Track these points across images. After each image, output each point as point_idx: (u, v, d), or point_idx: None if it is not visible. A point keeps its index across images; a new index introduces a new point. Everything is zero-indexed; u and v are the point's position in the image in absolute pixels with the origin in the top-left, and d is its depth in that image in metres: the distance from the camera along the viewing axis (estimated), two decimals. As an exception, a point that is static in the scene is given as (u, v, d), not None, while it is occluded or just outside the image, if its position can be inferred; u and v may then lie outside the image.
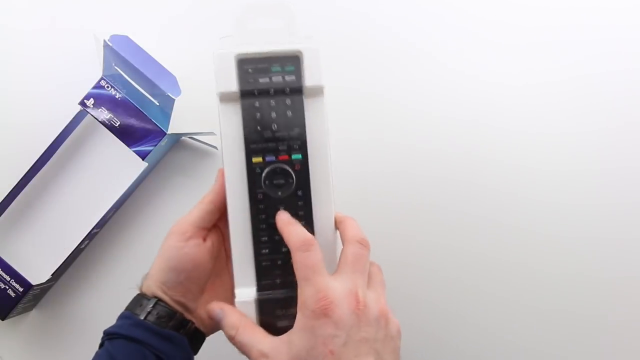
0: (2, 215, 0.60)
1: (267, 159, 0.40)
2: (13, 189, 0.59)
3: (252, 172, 0.40)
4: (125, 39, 0.56)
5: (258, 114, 0.40)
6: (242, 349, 0.38)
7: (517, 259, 0.61)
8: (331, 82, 0.62)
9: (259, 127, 0.40)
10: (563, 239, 0.61)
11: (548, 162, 0.61)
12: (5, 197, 0.59)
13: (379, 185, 0.62)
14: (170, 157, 0.62)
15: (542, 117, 0.62)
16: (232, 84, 0.39)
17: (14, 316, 0.58)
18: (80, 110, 0.59)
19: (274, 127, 0.40)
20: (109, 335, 0.41)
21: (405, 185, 0.61)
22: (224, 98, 0.40)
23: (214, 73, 0.40)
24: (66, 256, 0.57)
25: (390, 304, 0.38)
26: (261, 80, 0.40)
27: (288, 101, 0.40)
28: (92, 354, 0.41)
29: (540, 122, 0.62)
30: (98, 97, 0.57)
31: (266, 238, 0.40)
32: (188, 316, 0.43)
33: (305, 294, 0.36)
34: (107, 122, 0.57)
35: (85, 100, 0.57)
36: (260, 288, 0.40)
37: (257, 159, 0.40)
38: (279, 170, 0.40)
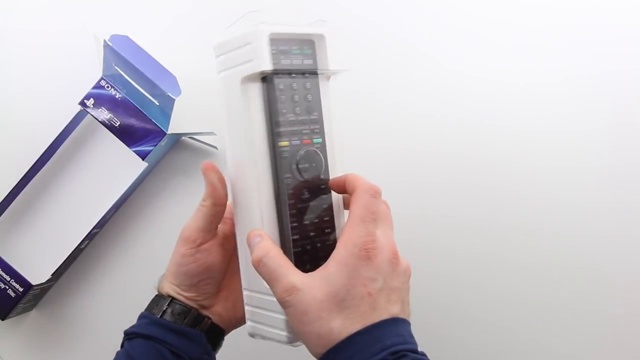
0: (2, 215, 0.60)
1: (293, 142, 0.39)
2: (13, 189, 0.59)
3: (280, 157, 0.38)
4: (126, 39, 0.56)
5: (282, 97, 0.38)
6: (268, 276, 0.36)
7: (519, 257, 0.61)
8: (331, 82, 0.62)
9: (284, 110, 0.38)
10: (565, 237, 0.61)
11: (549, 160, 0.61)
12: (5, 197, 0.59)
13: (380, 185, 0.61)
14: (170, 157, 0.62)
15: (543, 117, 0.62)
16: (268, 63, 0.37)
17: (14, 316, 0.58)
18: (80, 110, 0.59)
19: (297, 110, 0.39)
20: (128, 335, 0.42)
21: (405, 185, 0.61)
22: (247, 79, 0.38)
23: (249, 51, 0.37)
24: (66, 256, 0.57)
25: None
26: (283, 61, 0.38)
27: (307, 84, 0.39)
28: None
29: (541, 122, 0.62)
30: (98, 97, 0.57)
31: (296, 224, 0.38)
32: (204, 312, 0.43)
33: (357, 233, 0.35)
34: (107, 122, 0.57)
35: (85, 100, 0.57)
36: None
37: (283, 143, 0.38)
38: (303, 153, 0.39)
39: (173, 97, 0.55)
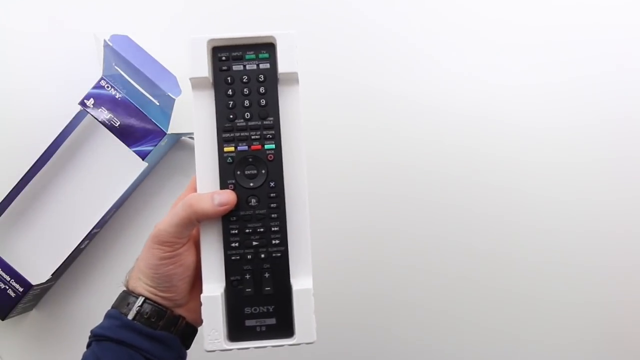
0: (2, 215, 0.60)
1: (240, 148, 0.39)
2: (13, 189, 0.59)
3: (224, 162, 0.39)
4: (126, 39, 0.56)
5: (230, 102, 0.39)
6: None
7: (520, 254, 0.61)
8: (331, 82, 0.62)
9: (231, 116, 0.39)
10: (565, 234, 0.61)
11: (549, 160, 0.61)
12: (5, 197, 0.59)
13: (380, 184, 0.61)
14: (170, 157, 0.62)
15: (543, 117, 0.62)
16: (204, 70, 0.39)
17: (14, 316, 0.58)
18: (80, 110, 0.59)
19: (247, 115, 0.39)
20: (97, 337, 0.40)
21: (406, 184, 0.61)
22: (197, 85, 0.39)
23: (186, 58, 0.39)
24: (66, 256, 0.57)
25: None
26: (235, 67, 0.39)
27: (262, 89, 0.39)
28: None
29: (542, 121, 0.62)
30: (98, 97, 0.57)
31: (236, 231, 0.39)
32: (178, 311, 0.42)
33: None
34: (107, 122, 0.57)
35: (85, 100, 0.57)
36: (228, 283, 0.39)
37: (228, 149, 0.39)
38: (251, 159, 0.39)
39: (173, 97, 0.55)
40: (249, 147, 0.39)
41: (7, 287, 0.56)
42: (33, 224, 0.61)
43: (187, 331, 0.42)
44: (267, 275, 0.39)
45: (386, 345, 0.60)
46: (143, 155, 0.57)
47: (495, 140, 0.62)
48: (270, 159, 0.39)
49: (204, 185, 0.40)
